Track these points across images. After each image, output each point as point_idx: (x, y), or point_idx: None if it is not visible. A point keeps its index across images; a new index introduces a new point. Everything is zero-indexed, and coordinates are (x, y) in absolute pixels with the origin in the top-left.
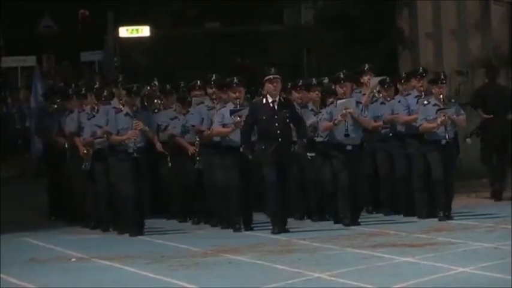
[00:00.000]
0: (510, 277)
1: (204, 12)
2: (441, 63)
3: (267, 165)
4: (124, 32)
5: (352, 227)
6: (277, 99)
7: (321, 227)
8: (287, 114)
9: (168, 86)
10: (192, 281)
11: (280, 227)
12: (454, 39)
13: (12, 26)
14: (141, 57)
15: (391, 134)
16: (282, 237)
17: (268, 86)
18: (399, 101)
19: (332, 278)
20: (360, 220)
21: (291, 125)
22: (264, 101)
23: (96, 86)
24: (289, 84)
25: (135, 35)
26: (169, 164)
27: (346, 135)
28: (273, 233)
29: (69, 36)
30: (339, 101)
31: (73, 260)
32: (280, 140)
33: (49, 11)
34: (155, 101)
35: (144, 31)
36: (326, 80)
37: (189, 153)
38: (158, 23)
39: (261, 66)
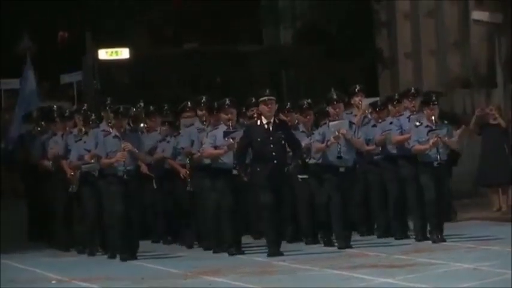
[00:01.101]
0: None
1: (184, 33)
2: (421, 83)
3: (262, 187)
4: (103, 54)
5: (331, 248)
6: (272, 120)
7: (298, 248)
8: (282, 136)
9: (151, 108)
10: None
11: (276, 250)
12: (433, 58)
13: None
14: (121, 78)
15: (380, 156)
16: (262, 258)
17: (263, 108)
18: (390, 123)
19: None
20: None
21: (286, 147)
22: (259, 122)
23: (84, 108)
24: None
25: (114, 57)
26: (155, 186)
27: (339, 157)
28: (269, 255)
29: (48, 57)
30: (331, 123)
31: (53, 282)
32: (275, 161)
33: (28, 31)
34: (141, 125)
35: (124, 53)
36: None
37: (181, 176)
38: (137, 43)
39: (241, 85)
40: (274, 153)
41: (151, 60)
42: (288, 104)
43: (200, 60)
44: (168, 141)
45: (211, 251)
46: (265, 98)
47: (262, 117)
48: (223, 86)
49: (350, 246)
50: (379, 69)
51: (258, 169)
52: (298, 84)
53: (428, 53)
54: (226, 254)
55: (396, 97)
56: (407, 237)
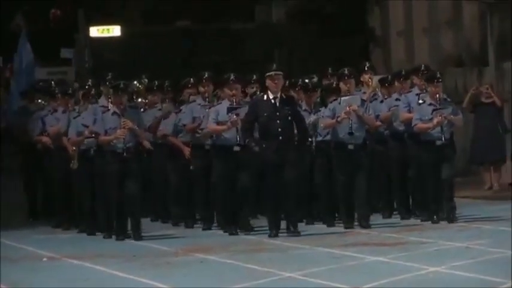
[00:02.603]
0: (482, 276)
1: (175, 11)
2: (413, 61)
3: (268, 164)
4: (95, 31)
5: (323, 227)
6: (278, 96)
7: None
8: (289, 112)
9: (153, 83)
10: (163, 280)
11: (277, 231)
12: (426, 37)
13: None
14: (113, 55)
15: (387, 132)
16: (253, 237)
17: (269, 83)
18: (396, 99)
19: (303, 278)
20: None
21: (293, 123)
22: (265, 97)
23: (89, 84)
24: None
25: (105, 34)
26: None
27: (350, 133)
28: (270, 236)
29: (40, 35)
30: (343, 98)
31: (44, 259)
32: (281, 138)
33: (21, 10)
34: (139, 100)
35: (115, 31)
36: (315, 79)
37: (185, 155)
38: (129, 21)
39: (234, 64)
40: (280, 129)
41: (143, 38)
42: (287, 82)
43: (192, 38)
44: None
45: (204, 229)
46: (272, 73)
47: (269, 93)
48: (216, 64)
49: (369, 226)
50: (371, 47)
51: (264, 145)
52: (291, 63)
53: (421, 31)
54: (219, 232)
55: (403, 73)
56: (410, 217)
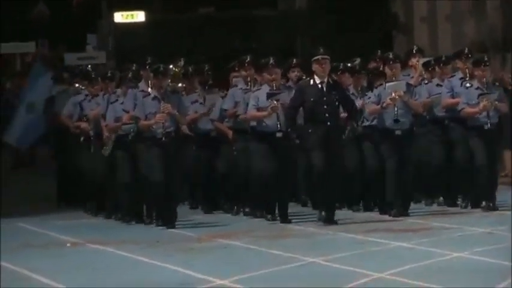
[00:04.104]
0: (505, 262)
1: None
2: (436, 48)
3: (314, 150)
4: (119, 17)
5: (348, 212)
6: (325, 80)
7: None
8: (336, 97)
9: (190, 69)
10: (187, 266)
11: (326, 216)
12: (449, 23)
13: (5, 12)
14: (136, 41)
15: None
16: (277, 222)
17: (316, 67)
18: (437, 85)
19: (327, 263)
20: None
21: (340, 108)
22: (312, 82)
23: (133, 68)
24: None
25: (130, 20)
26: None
27: (396, 120)
28: (319, 219)
29: (63, 21)
30: (388, 84)
31: (68, 245)
32: (328, 123)
33: None
34: (179, 84)
35: (139, 16)
36: (358, 61)
37: (230, 139)
38: (152, 7)
39: (257, 52)
40: (327, 115)
41: (165, 24)
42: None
43: (214, 25)
44: (201, 103)
45: (234, 215)
46: (319, 57)
47: (315, 77)
48: (238, 52)
49: (407, 214)
50: (394, 34)
51: (310, 130)
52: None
53: (444, 18)
54: (244, 218)
55: (443, 58)
56: (454, 202)
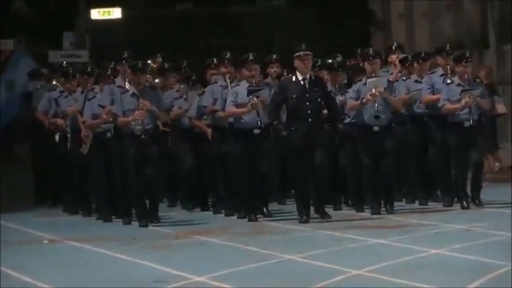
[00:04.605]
0: (483, 259)
1: None
2: (413, 45)
3: (296, 148)
4: (96, 14)
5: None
6: (307, 76)
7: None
8: (319, 93)
9: (166, 65)
10: (164, 263)
11: (308, 216)
12: (426, 20)
13: None
14: (113, 38)
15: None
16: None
17: (298, 63)
18: (416, 81)
19: (304, 260)
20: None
21: (322, 105)
22: (294, 78)
23: (111, 66)
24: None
25: (106, 17)
26: (169, 145)
27: (376, 116)
28: (301, 222)
29: (40, 18)
30: (368, 79)
31: (45, 241)
32: (310, 120)
33: None
34: (156, 80)
35: (116, 13)
36: (339, 58)
37: (209, 137)
38: (129, 4)
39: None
40: (310, 111)
41: (143, 21)
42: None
43: (192, 21)
44: (185, 99)
45: (213, 212)
46: (301, 53)
47: (297, 73)
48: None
49: (389, 211)
50: (372, 31)
51: (293, 128)
52: (291, 47)
53: (421, 14)
54: (221, 216)
55: (422, 55)
56: (431, 199)
